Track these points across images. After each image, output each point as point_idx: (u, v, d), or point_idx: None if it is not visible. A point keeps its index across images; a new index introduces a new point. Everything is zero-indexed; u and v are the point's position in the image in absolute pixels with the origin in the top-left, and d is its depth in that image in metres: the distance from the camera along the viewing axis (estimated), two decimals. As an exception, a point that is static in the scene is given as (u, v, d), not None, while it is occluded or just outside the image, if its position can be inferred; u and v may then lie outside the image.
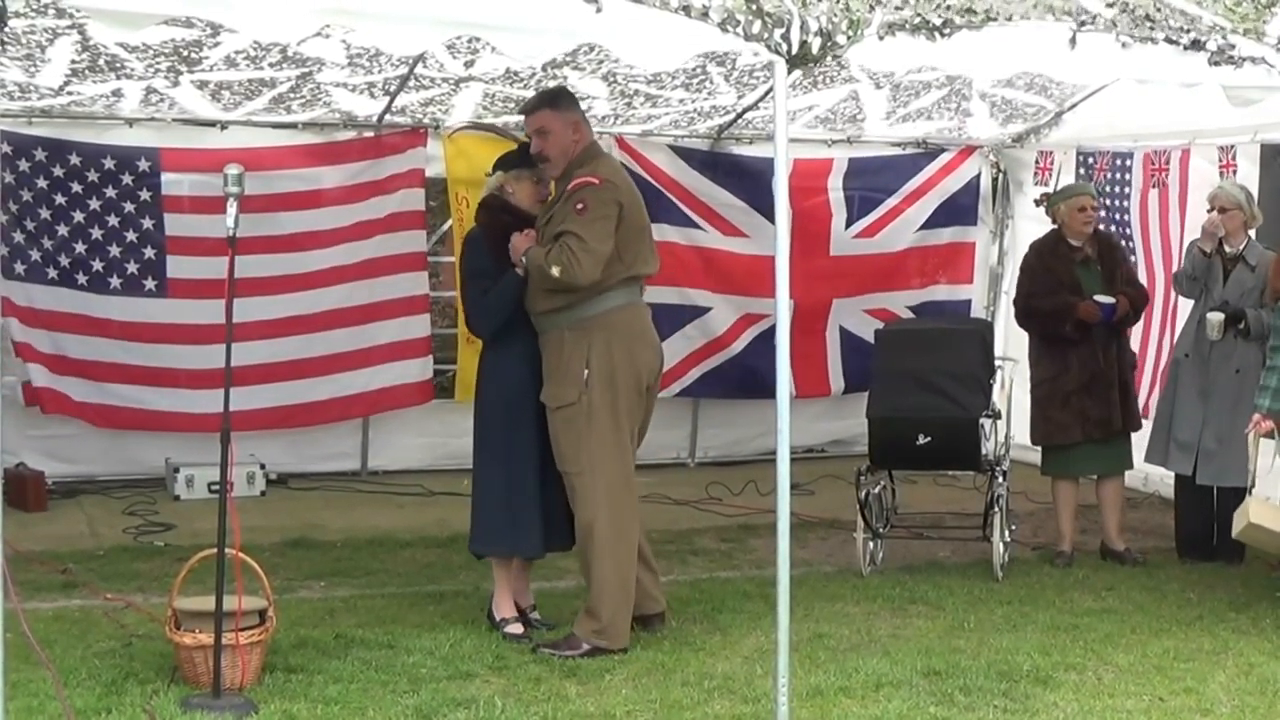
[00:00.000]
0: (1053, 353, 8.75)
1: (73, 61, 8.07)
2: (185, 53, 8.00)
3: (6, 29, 4.88)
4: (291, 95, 9.15)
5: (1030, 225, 11.54)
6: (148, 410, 10.06)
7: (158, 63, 8.18)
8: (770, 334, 11.09)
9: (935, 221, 11.75)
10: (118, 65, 8.24)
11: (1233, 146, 9.54)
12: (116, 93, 8.88)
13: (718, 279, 11.20)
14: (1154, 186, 10.25)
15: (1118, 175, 10.50)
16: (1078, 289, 8.68)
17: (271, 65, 8.42)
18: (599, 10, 5.32)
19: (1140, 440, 8.90)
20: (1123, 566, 8.61)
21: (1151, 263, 10.25)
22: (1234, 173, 9.41)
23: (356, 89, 9.25)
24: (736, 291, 11.18)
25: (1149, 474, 9.57)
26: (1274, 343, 7.56)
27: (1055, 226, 8.94)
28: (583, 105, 9.19)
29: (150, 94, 8.95)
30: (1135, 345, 9.35)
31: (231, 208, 5.96)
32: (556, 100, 7.12)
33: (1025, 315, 8.92)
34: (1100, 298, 8.62)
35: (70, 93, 8.79)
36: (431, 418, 11.01)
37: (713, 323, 11.27)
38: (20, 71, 8.24)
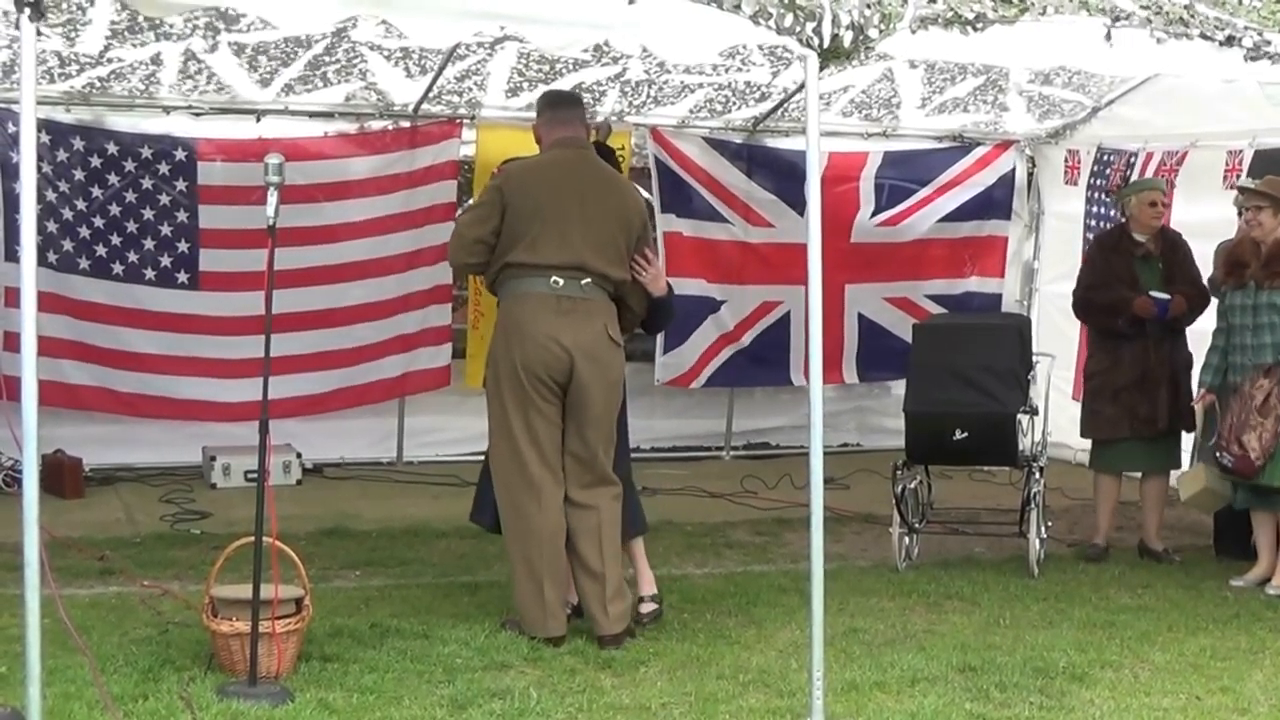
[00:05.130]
0: (1106, 346, 8.77)
1: (112, 22, 8.06)
2: (224, 8, 7.98)
3: (46, 13, 4.90)
4: (327, 59, 9.09)
5: (1059, 222, 11.57)
6: (175, 399, 10.10)
7: (196, 18, 8.16)
8: (782, 323, 11.23)
9: (964, 214, 11.75)
10: (157, 23, 8.22)
11: (1240, 150, 9.57)
12: (156, 59, 8.85)
13: (739, 270, 11.21)
14: None
15: (1129, 175, 10.51)
16: (1135, 284, 8.66)
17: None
18: (631, 1, 5.31)
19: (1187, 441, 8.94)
20: (1159, 565, 8.61)
21: None
22: (1239, 177, 9.43)
23: (392, 57, 9.21)
24: (757, 280, 11.20)
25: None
26: (1217, 325, 8.29)
27: (1122, 220, 8.93)
28: (617, 68, 9.25)
29: (189, 62, 8.91)
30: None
31: (272, 197, 5.98)
32: (537, 107, 7.23)
33: (1081, 307, 8.92)
34: (1156, 294, 8.60)
35: (110, 59, 8.78)
36: (467, 407, 11.03)
37: (726, 315, 11.28)
38: (61, 40, 8.25)
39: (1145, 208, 8.78)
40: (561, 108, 7.09)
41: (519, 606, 6.81)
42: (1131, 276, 8.69)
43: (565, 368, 6.66)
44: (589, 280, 6.73)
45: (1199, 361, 8.58)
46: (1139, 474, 8.98)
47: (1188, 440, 8.93)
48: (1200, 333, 8.79)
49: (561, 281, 6.68)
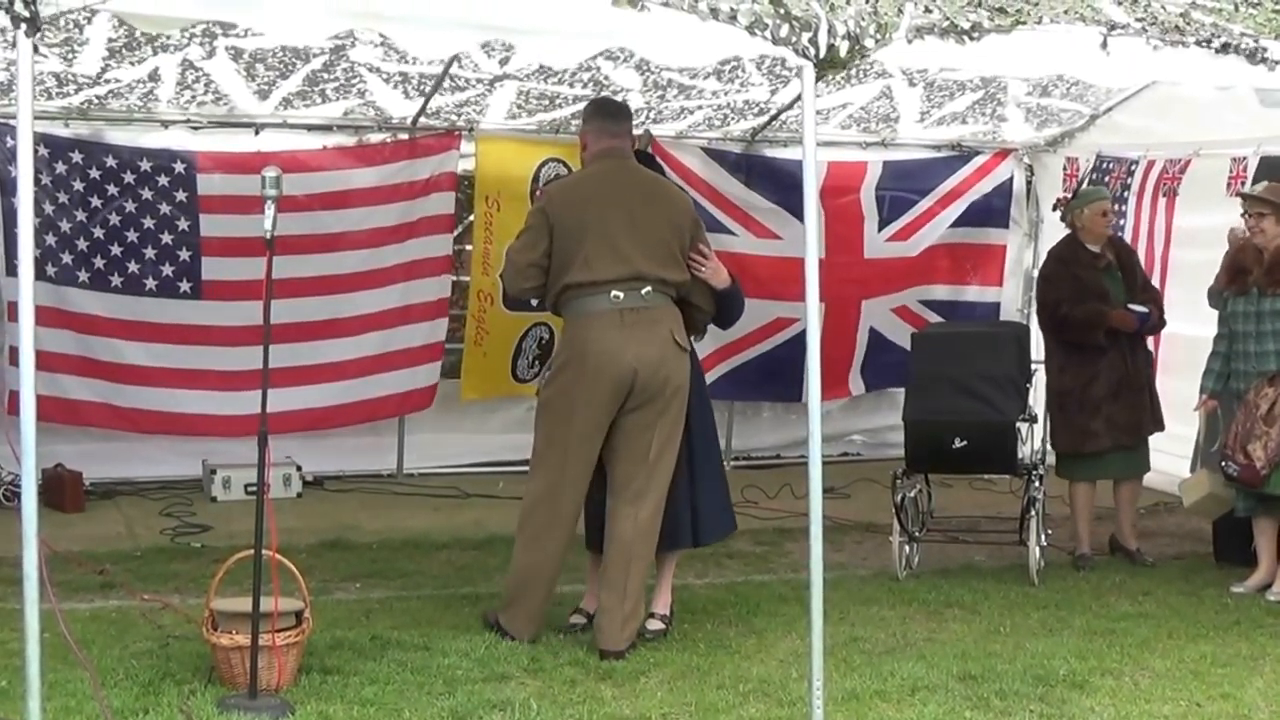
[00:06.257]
0: (1081, 360, 8.75)
1: (110, 40, 8.08)
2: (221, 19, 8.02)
3: (42, 28, 4.90)
4: (325, 75, 9.13)
5: (1057, 230, 11.56)
6: (177, 414, 10.08)
7: (193, 27, 8.18)
8: (797, 339, 11.13)
9: (965, 222, 11.75)
10: (154, 36, 8.24)
11: (1244, 158, 9.60)
12: (154, 74, 8.88)
13: (745, 284, 11.14)
14: (1163, 194, 10.30)
15: (1129, 181, 10.53)
16: (1105, 296, 8.72)
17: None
18: (641, 8, 5.31)
19: (1163, 443, 9.03)
20: (1134, 565, 8.74)
21: (1151, 265, 10.33)
22: (1243, 184, 9.46)
23: (391, 80, 9.25)
24: (767, 295, 11.13)
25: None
26: (1219, 331, 8.29)
27: (1070, 232, 8.96)
28: (616, 97, 9.32)
29: (187, 72, 8.91)
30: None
31: (269, 210, 5.98)
32: (585, 113, 7.26)
33: (1058, 324, 8.83)
34: (1134, 306, 8.70)
35: (108, 80, 8.81)
36: (467, 420, 11.05)
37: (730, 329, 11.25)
38: (58, 60, 8.27)
39: (1098, 217, 8.85)
40: (611, 119, 7.10)
41: (508, 596, 6.93)
42: (1101, 288, 8.75)
43: (628, 384, 6.69)
44: (649, 288, 6.76)
45: (1158, 361, 8.69)
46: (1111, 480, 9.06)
47: (1169, 443, 8.99)
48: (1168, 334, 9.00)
49: (622, 295, 6.72)
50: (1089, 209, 8.85)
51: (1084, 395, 8.72)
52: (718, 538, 7.42)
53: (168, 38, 8.26)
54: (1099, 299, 8.70)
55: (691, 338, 7.16)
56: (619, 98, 9.36)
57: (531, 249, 6.82)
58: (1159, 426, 8.92)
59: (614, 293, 6.71)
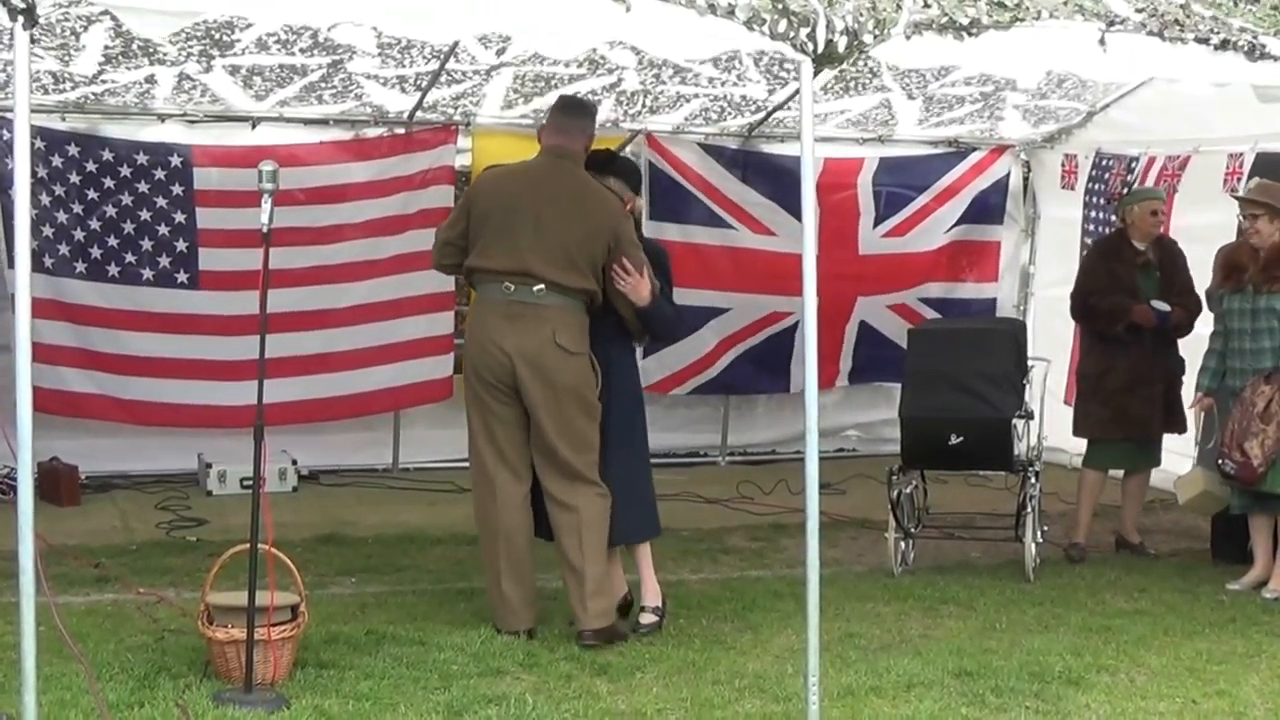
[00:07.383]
0: (1103, 349, 8.89)
1: (106, 48, 8.12)
2: (217, 35, 8.06)
3: (39, 21, 4.89)
4: (322, 85, 9.18)
5: (1055, 227, 11.57)
6: (175, 405, 10.08)
7: (190, 46, 8.24)
8: (786, 334, 11.15)
9: (962, 219, 11.74)
10: (150, 50, 8.28)
11: (1241, 154, 9.60)
12: (150, 79, 8.92)
13: (744, 278, 11.18)
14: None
15: (1130, 179, 10.53)
16: (1135, 292, 8.80)
17: (303, 51, 8.48)
18: (628, 9, 5.30)
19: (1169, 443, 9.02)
20: (1139, 558, 8.80)
21: None
22: (1239, 180, 9.48)
23: (388, 82, 9.28)
24: (763, 290, 11.15)
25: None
26: (1214, 329, 8.35)
27: (1120, 227, 9.07)
28: (612, 78, 9.31)
29: (183, 80, 8.98)
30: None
31: (266, 203, 5.99)
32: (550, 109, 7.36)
33: (1083, 313, 9.02)
34: (1157, 304, 8.74)
35: (104, 80, 8.83)
36: (463, 414, 11.01)
37: (729, 323, 11.25)
38: (55, 61, 8.29)
39: (1148, 216, 8.94)
40: (566, 115, 7.13)
41: (489, 593, 7.00)
42: (1133, 284, 8.82)
43: (508, 372, 6.77)
44: (542, 287, 6.75)
45: (1191, 365, 8.64)
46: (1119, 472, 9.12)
47: (1171, 441, 9.00)
48: (1197, 336, 8.84)
49: (513, 287, 6.78)
50: (1139, 206, 8.96)
51: (1099, 383, 8.85)
52: (630, 540, 7.17)
53: (164, 54, 8.28)
54: (1128, 294, 8.77)
55: (636, 344, 7.32)
56: (615, 77, 9.34)
57: (450, 228, 7.06)
58: (1178, 428, 8.92)
59: (506, 284, 6.79)
